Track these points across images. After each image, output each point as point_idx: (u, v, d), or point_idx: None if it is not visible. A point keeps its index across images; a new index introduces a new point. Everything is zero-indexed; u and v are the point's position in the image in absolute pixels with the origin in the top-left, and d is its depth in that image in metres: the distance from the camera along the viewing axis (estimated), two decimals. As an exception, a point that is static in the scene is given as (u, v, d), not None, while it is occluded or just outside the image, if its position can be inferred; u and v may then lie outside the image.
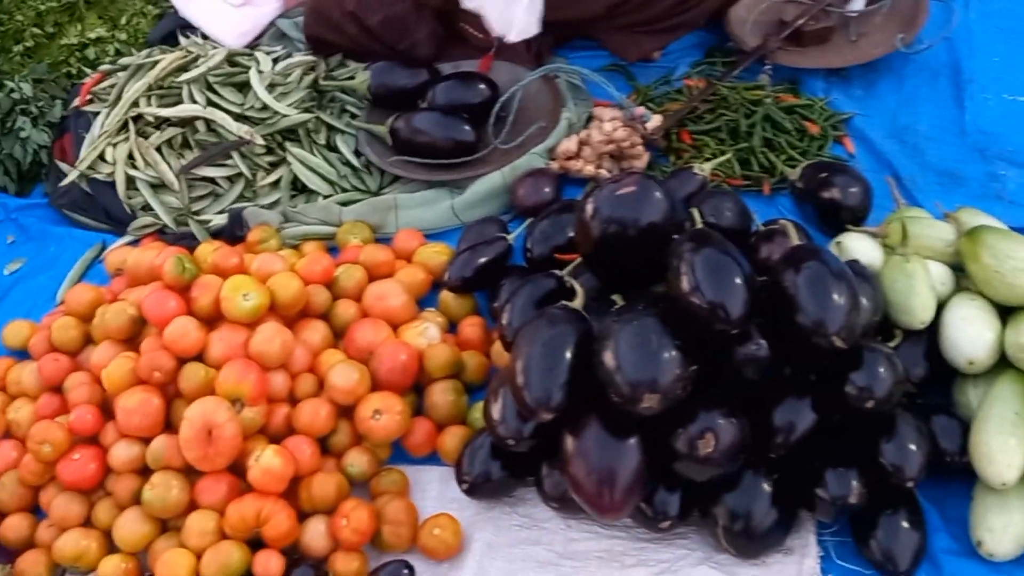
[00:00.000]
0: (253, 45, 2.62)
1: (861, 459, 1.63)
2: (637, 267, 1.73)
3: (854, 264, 1.72)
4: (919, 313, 1.71)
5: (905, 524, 1.63)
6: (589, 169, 2.21)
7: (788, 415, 1.62)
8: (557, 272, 1.86)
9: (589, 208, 1.70)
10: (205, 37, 2.63)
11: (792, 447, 1.61)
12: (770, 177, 2.14)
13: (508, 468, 1.76)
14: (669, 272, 1.61)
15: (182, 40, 2.61)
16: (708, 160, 2.14)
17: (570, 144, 2.22)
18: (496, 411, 1.69)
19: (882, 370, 1.59)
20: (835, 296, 1.54)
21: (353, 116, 2.40)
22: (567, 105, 2.36)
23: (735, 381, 1.62)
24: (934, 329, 1.73)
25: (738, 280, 1.56)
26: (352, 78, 2.46)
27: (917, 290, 1.72)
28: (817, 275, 1.57)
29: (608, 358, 1.54)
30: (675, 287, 1.59)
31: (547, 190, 2.16)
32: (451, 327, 2.02)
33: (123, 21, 2.67)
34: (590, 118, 2.33)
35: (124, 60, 2.51)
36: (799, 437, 1.61)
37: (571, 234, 1.96)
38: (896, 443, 1.61)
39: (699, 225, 1.71)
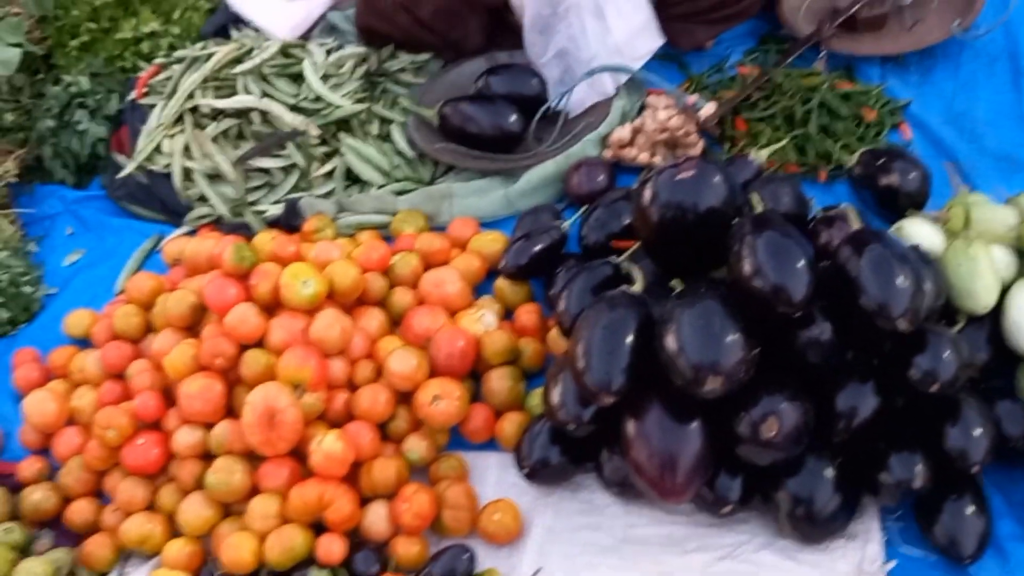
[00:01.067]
0: (305, 38, 2.64)
1: (925, 444, 1.62)
2: (696, 252, 1.72)
3: (916, 248, 1.70)
4: (982, 297, 1.70)
5: (970, 509, 1.62)
6: (643, 157, 2.20)
7: (851, 399, 1.61)
8: (613, 259, 1.86)
9: (648, 193, 1.70)
10: (257, 30, 2.65)
11: (855, 431, 1.61)
12: (826, 164, 2.13)
13: (567, 453, 1.76)
14: (731, 255, 1.61)
15: (234, 33, 2.63)
16: (763, 147, 2.13)
17: (624, 132, 2.22)
18: (556, 396, 1.70)
19: (946, 354, 1.58)
20: (899, 278, 1.53)
21: (405, 108, 2.41)
22: (619, 93, 2.36)
23: (797, 364, 1.61)
24: (997, 314, 1.71)
25: (801, 263, 1.56)
26: (403, 69, 2.48)
27: (980, 274, 1.70)
28: (881, 257, 1.56)
29: (671, 341, 1.54)
30: (737, 270, 1.58)
31: (601, 178, 2.16)
32: (507, 314, 2.02)
33: (176, 15, 2.69)
34: (643, 106, 2.32)
35: (179, 53, 2.54)
36: (862, 421, 1.61)
37: (626, 221, 1.96)
38: (960, 428, 1.60)
39: (759, 209, 1.71)
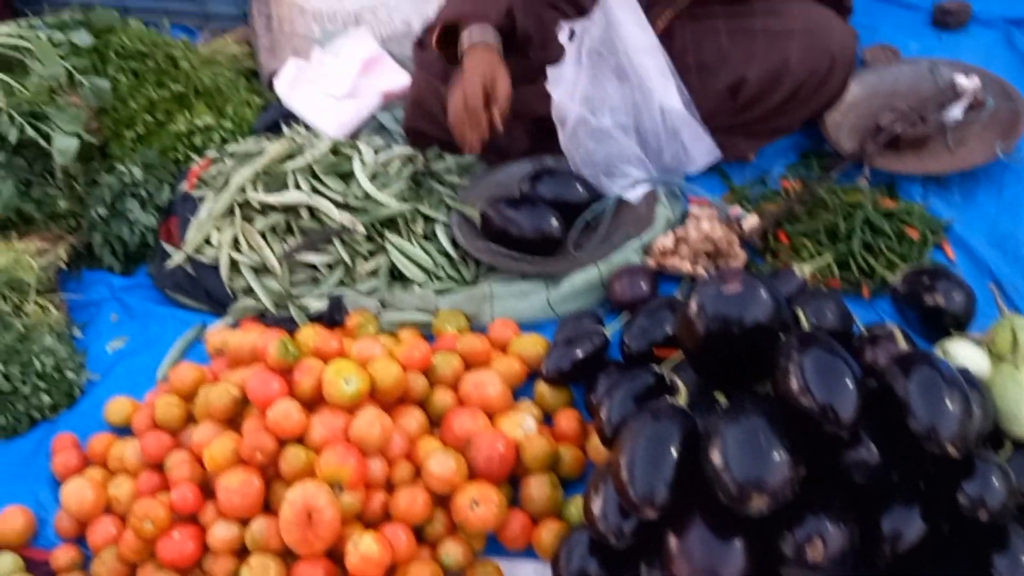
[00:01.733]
0: (354, 136, 2.70)
1: (971, 572, 1.59)
2: (740, 365, 1.72)
3: (963, 372, 1.69)
4: (1031, 424, 1.68)
5: (1016, 641, 1.58)
6: (686, 266, 2.22)
7: (897, 522, 1.58)
8: (656, 367, 1.86)
9: (694, 305, 1.71)
10: (308, 128, 2.71)
11: (900, 556, 1.58)
12: (870, 280, 2.13)
13: (606, 566, 1.73)
14: (777, 372, 1.60)
15: (286, 130, 2.69)
16: (806, 261, 2.14)
17: (667, 241, 2.24)
18: (596, 506, 1.68)
19: (995, 481, 1.56)
20: (948, 402, 1.53)
21: (450, 208, 2.44)
22: (662, 201, 2.39)
23: (843, 485, 1.60)
24: (1045, 441, 1.69)
25: (849, 383, 1.55)
26: (449, 170, 2.52)
27: (1029, 400, 1.69)
28: (929, 380, 1.55)
29: (716, 456, 1.53)
30: (784, 388, 1.58)
31: (644, 286, 2.18)
32: (546, 419, 2.02)
33: (229, 110, 2.77)
34: (686, 215, 2.35)
35: (231, 147, 2.60)
36: (908, 546, 1.57)
37: (669, 330, 1.97)
38: (1009, 558, 1.57)
39: (805, 326, 1.71)
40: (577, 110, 2.34)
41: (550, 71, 2.34)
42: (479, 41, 2.26)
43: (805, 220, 2.26)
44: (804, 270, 2.07)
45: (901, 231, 2.19)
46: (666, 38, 2.42)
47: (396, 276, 2.35)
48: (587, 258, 2.29)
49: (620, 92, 2.39)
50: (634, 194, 2.36)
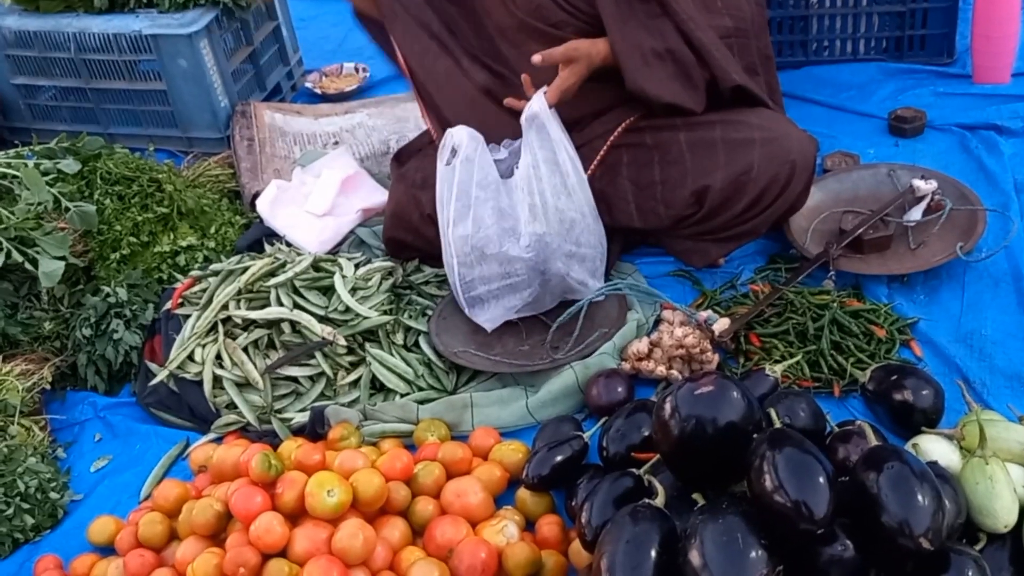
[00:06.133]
0: (334, 252, 2.76)
1: (952, 666, 1.60)
2: (716, 465, 1.76)
3: (934, 466, 1.73)
4: (1002, 516, 1.71)
5: None
6: (661, 370, 2.27)
7: (876, 618, 1.61)
8: (635, 471, 1.89)
9: (668, 407, 1.75)
10: (289, 245, 2.78)
11: (881, 652, 1.60)
12: (840, 379, 2.18)
13: (590, 670, 1.74)
14: (751, 471, 1.64)
15: (268, 247, 2.76)
16: (778, 362, 2.19)
17: (641, 346, 2.29)
18: (579, 611, 1.70)
19: (970, 573, 1.59)
20: (919, 496, 1.56)
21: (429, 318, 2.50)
22: (634, 307, 2.46)
23: (821, 582, 1.62)
24: (1018, 532, 1.72)
25: (821, 479, 1.59)
26: (428, 282, 2.59)
27: (999, 493, 1.72)
28: (900, 475, 1.59)
29: (694, 556, 1.55)
30: (758, 486, 1.61)
31: (620, 390, 2.22)
32: (528, 525, 2.04)
33: (212, 231, 2.83)
34: (658, 319, 2.41)
35: (215, 266, 2.65)
36: (888, 642, 1.60)
37: (646, 433, 2.00)
38: (988, 649, 1.59)
39: (777, 425, 1.75)
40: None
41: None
42: None
43: (775, 322, 2.32)
44: (776, 371, 2.12)
45: (869, 330, 2.25)
46: (622, 153, 2.52)
47: (377, 387, 2.39)
48: (563, 359, 2.33)
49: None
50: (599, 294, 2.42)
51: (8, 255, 2.45)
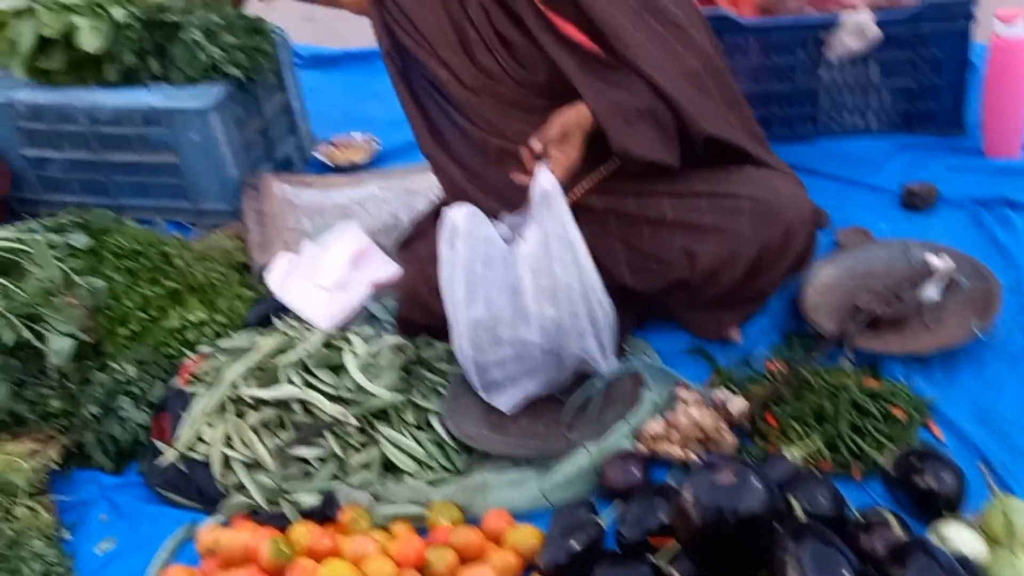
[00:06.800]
0: (344, 327, 2.74)
1: None
2: (737, 555, 1.73)
3: (962, 559, 1.70)
4: (1032, 610, 1.68)
5: None
6: (677, 452, 2.23)
7: None
8: (652, 558, 1.86)
9: (689, 497, 1.73)
10: (298, 320, 2.76)
11: None
12: (860, 462, 2.15)
13: None
14: (775, 565, 1.61)
15: (277, 322, 2.74)
16: (796, 445, 2.16)
17: (657, 427, 2.26)
18: None
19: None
20: (949, 593, 1.53)
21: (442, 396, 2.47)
22: (649, 385, 2.43)
23: None
24: (1048, 626, 1.69)
25: (847, 574, 1.56)
26: (440, 359, 2.56)
27: (1028, 586, 1.69)
28: (928, 571, 1.56)
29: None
30: (783, 581, 1.58)
31: (636, 472, 2.19)
32: (544, 614, 1.99)
33: (222, 305, 2.82)
34: (673, 397, 2.38)
35: (224, 343, 2.63)
36: None
37: (664, 518, 1.97)
38: None
39: (799, 515, 1.72)
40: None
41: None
42: None
43: (792, 402, 2.29)
44: (795, 454, 2.09)
45: (887, 411, 2.22)
46: (608, 216, 2.50)
47: (388, 467, 2.35)
48: (579, 439, 2.30)
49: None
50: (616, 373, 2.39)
51: (18, 332, 2.44)
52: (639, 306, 2.61)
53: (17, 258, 2.64)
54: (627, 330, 2.57)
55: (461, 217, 2.27)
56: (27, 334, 2.44)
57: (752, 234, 2.39)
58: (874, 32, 2.95)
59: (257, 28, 3.28)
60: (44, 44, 3.14)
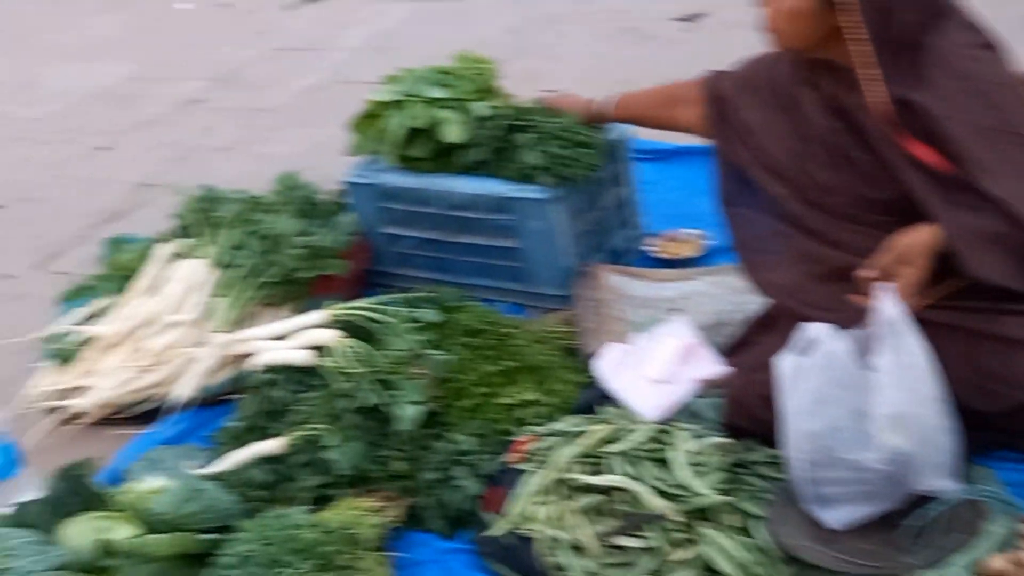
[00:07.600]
0: (668, 420, 2.78)
1: None
2: None
3: None
4: None
5: None
6: (1024, 594, 2.09)
7: None
8: None
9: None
10: (623, 408, 2.82)
11: None
12: None
13: None
14: None
15: (604, 410, 2.81)
16: None
17: (1003, 564, 2.13)
18: None
19: None
20: None
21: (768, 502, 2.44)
22: (991, 517, 2.29)
23: None
24: None
25: None
26: (766, 463, 2.54)
27: None
28: None
29: None
30: None
31: (978, 611, 2.06)
32: None
33: (553, 387, 2.94)
34: (1018, 534, 2.23)
35: (556, 425, 2.74)
36: None
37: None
38: None
39: None
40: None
41: None
42: None
43: None
44: None
45: None
46: (943, 327, 2.38)
47: (711, 569, 2.35)
48: (914, 564, 2.20)
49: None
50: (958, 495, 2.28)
51: (379, 396, 2.66)
52: (982, 431, 2.47)
53: (378, 326, 2.89)
54: (969, 455, 2.44)
55: (823, 328, 2.27)
56: (385, 398, 2.66)
57: None
58: None
59: (585, 143, 3.33)
60: (412, 134, 3.42)
